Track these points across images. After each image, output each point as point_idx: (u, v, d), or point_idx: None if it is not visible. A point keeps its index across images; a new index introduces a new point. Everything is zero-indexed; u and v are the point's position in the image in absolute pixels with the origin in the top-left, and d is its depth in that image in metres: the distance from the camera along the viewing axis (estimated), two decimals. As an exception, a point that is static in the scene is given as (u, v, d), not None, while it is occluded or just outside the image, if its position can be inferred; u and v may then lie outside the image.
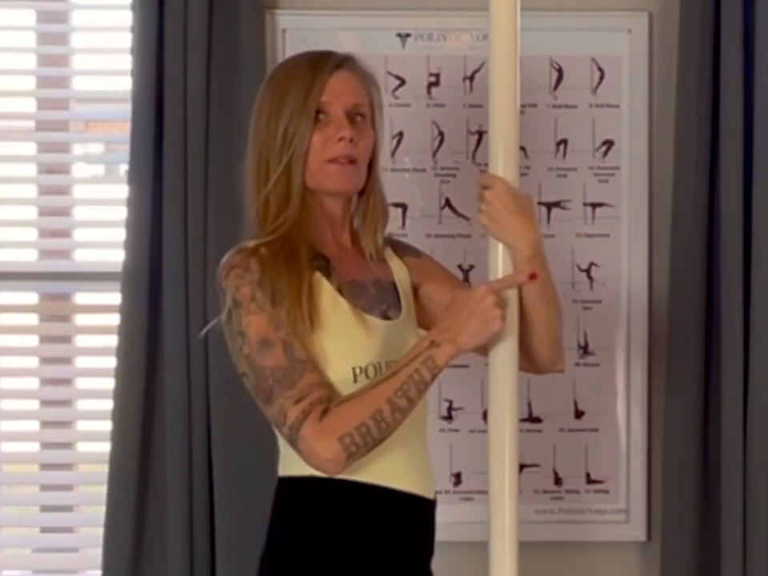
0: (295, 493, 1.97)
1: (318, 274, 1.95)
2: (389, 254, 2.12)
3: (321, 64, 1.99)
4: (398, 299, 2.05)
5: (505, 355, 1.86)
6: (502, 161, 1.87)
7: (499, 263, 1.87)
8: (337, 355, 1.92)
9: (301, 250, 1.94)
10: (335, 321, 1.92)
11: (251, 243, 1.96)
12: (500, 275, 1.87)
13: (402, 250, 2.15)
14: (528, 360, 2.02)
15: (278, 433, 1.93)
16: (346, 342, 1.93)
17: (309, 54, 2.05)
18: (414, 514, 1.99)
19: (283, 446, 1.97)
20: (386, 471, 1.95)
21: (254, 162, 2.00)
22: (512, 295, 1.87)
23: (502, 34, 1.85)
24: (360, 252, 2.07)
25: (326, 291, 1.94)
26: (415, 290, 2.11)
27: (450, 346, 1.85)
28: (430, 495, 2.02)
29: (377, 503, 1.96)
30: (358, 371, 1.92)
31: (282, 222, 1.96)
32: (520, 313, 1.93)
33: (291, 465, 1.96)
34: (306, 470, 1.92)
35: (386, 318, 2.00)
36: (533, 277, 1.89)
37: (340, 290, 1.96)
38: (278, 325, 1.87)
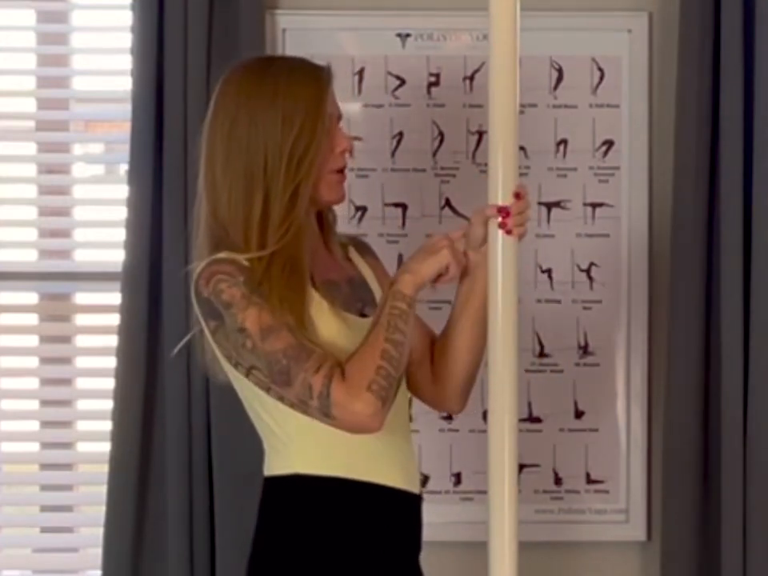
0: (281, 492, 1.99)
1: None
2: (353, 253, 2.14)
3: (321, 75, 2.01)
4: (373, 296, 2.08)
5: (504, 355, 1.86)
6: (501, 161, 1.86)
7: (499, 263, 1.87)
8: None
9: (303, 259, 1.95)
10: (319, 321, 1.94)
11: (225, 255, 1.92)
12: (500, 275, 1.86)
13: (362, 249, 2.17)
14: (436, 384, 2.11)
15: (303, 411, 1.89)
16: (329, 341, 1.93)
17: (298, 62, 2.04)
18: (399, 510, 2.01)
19: (268, 445, 2.00)
20: (371, 467, 1.97)
21: (236, 174, 1.94)
22: (512, 292, 1.87)
23: (502, 34, 1.85)
24: (329, 252, 2.08)
25: (310, 294, 1.96)
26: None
27: (407, 276, 1.92)
28: (415, 490, 2.04)
29: (362, 499, 1.97)
30: None
31: (284, 232, 1.93)
32: (449, 337, 2.09)
33: (276, 464, 1.98)
34: (291, 469, 1.95)
35: (363, 315, 2.02)
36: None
37: (318, 290, 1.98)
38: (273, 310, 1.88)
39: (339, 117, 2.05)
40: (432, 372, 2.13)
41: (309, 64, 2.04)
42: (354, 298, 2.04)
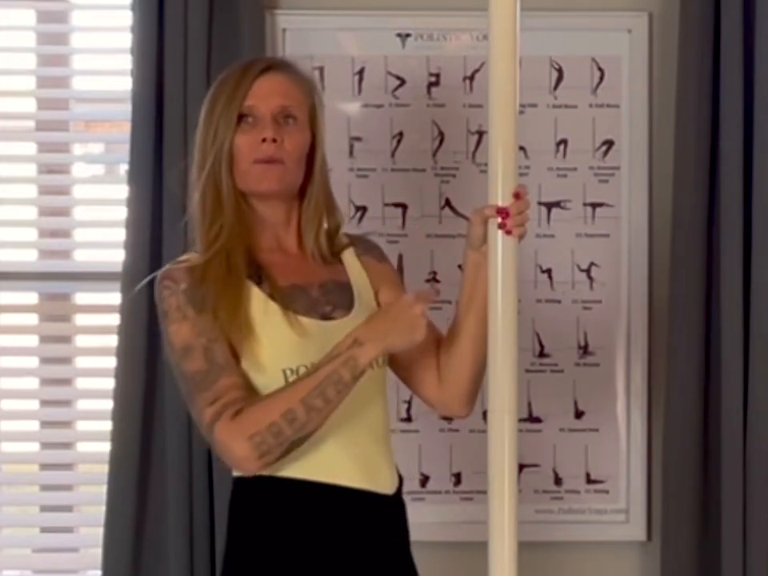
0: (246, 493, 2.00)
1: (248, 283, 1.99)
2: (349, 253, 2.14)
3: (248, 68, 2.04)
4: (351, 298, 2.07)
5: (504, 355, 1.86)
6: (501, 161, 1.86)
7: (498, 263, 1.87)
8: (268, 359, 1.95)
9: (238, 258, 1.99)
10: (266, 326, 1.96)
11: (188, 256, 2.02)
12: (500, 275, 1.86)
13: (363, 249, 2.16)
14: (442, 387, 2.10)
15: None
16: (276, 345, 1.95)
17: (245, 59, 2.13)
18: (362, 510, 2.00)
19: None
20: (331, 469, 1.97)
21: (194, 168, 2.05)
22: (512, 292, 1.87)
23: (502, 34, 1.85)
24: (303, 255, 2.09)
25: (257, 299, 1.98)
26: (375, 293, 2.13)
27: (373, 346, 1.90)
28: (383, 490, 2.02)
29: (322, 501, 1.97)
30: (289, 373, 1.95)
31: (218, 231, 2.00)
32: (453, 339, 2.07)
33: None
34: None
35: (328, 318, 2.02)
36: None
37: (272, 296, 1.98)
38: (201, 331, 1.93)
39: (272, 108, 2.01)
40: (438, 375, 2.11)
41: (248, 59, 2.11)
42: (321, 302, 2.04)
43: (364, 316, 2.03)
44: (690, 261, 2.78)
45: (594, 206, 2.89)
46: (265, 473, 1.94)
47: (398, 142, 2.87)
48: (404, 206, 2.87)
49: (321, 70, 2.85)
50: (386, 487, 2.03)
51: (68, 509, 3.05)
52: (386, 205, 2.87)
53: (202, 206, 2.02)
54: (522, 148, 2.78)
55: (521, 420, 2.76)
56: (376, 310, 2.02)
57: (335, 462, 1.98)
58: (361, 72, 2.86)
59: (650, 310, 2.89)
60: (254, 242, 2.04)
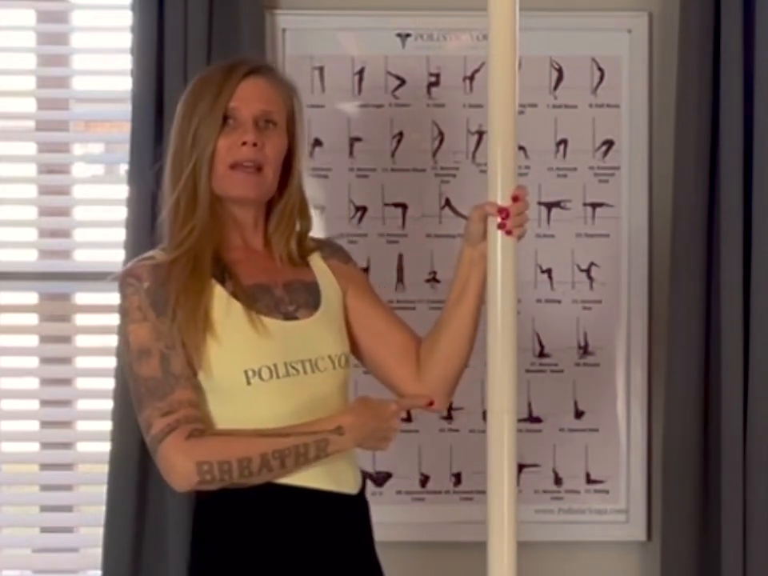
0: (214, 498, 1.97)
1: (212, 282, 1.99)
2: (315, 257, 2.14)
3: (232, 70, 2.04)
4: (318, 299, 2.07)
5: (503, 355, 1.86)
6: (500, 161, 1.87)
7: (498, 263, 1.87)
8: (229, 359, 1.95)
9: (205, 258, 1.99)
10: (228, 325, 1.96)
11: (154, 253, 2.03)
12: (499, 275, 1.86)
13: (328, 253, 2.17)
14: (422, 382, 2.10)
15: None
16: (237, 346, 1.96)
17: (226, 60, 2.12)
18: (328, 511, 2.00)
19: None
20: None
21: (168, 167, 2.05)
22: (511, 292, 1.87)
23: (501, 33, 1.85)
24: (269, 255, 2.09)
25: (220, 297, 1.98)
26: (344, 294, 2.14)
27: (350, 440, 1.95)
28: (347, 490, 2.03)
29: (288, 503, 1.97)
30: (250, 374, 1.95)
31: (189, 231, 2.00)
32: (439, 334, 2.09)
33: None
34: None
35: (291, 318, 2.02)
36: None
37: (236, 295, 1.99)
38: (159, 336, 1.94)
39: (254, 112, 2.02)
40: (419, 370, 2.12)
41: (231, 61, 2.10)
42: (285, 302, 2.04)
43: (329, 318, 2.06)
44: (690, 261, 2.78)
45: (594, 205, 2.89)
46: None
47: (398, 141, 2.87)
48: (404, 206, 2.88)
49: (321, 69, 2.85)
50: (350, 487, 2.04)
51: (68, 509, 3.05)
52: (386, 205, 2.87)
53: (177, 205, 2.02)
54: (521, 148, 2.78)
55: (521, 420, 2.77)
56: (368, 399, 2.01)
57: None
58: (361, 72, 2.86)
59: (650, 310, 2.89)
60: (221, 241, 2.04)
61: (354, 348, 2.13)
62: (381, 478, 2.86)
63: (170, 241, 2.03)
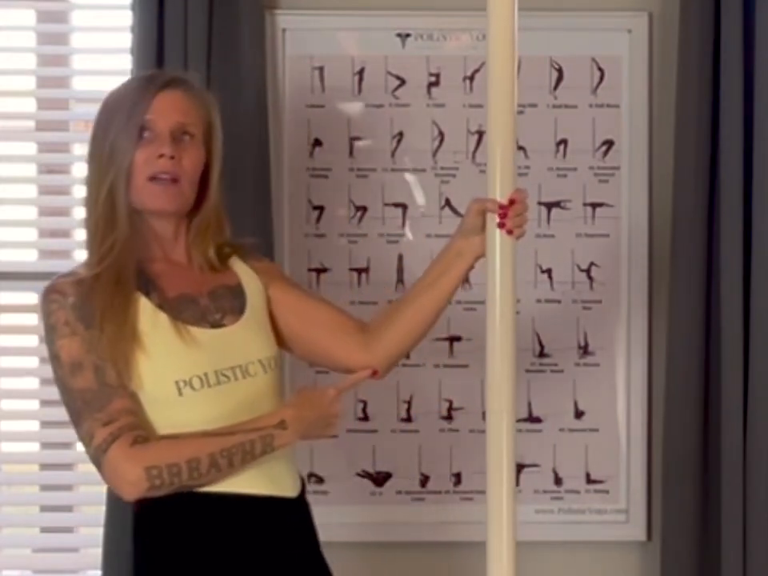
0: (154, 508, 1.97)
1: (137, 294, 1.98)
2: (234, 260, 2.15)
3: (148, 83, 2.04)
4: (244, 302, 2.08)
5: (502, 355, 1.86)
6: (499, 161, 1.87)
7: (497, 262, 1.87)
8: (159, 371, 1.95)
9: (128, 272, 1.98)
10: (155, 337, 1.96)
11: (75, 269, 2.02)
12: (498, 274, 1.87)
13: (245, 254, 2.18)
14: (368, 352, 2.12)
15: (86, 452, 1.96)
16: (166, 357, 1.96)
17: (142, 73, 2.14)
18: (268, 515, 2.00)
19: None
20: (234, 478, 1.96)
21: (86, 181, 2.04)
22: (510, 291, 1.87)
23: (500, 34, 1.85)
24: (190, 266, 2.09)
25: (145, 310, 1.97)
26: (266, 288, 2.15)
27: (293, 433, 1.95)
28: (286, 494, 2.03)
29: (229, 510, 1.97)
30: (182, 384, 1.95)
31: (110, 246, 1.99)
32: (403, 309, 2.11)
33: None
34: None
35: (219, 326, 2.02)
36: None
37: (161, 307, 1.99)
38: (90, 348, 1.92)
39: (170, 124, 2.01)
40: (362, 341, 2.13)
41: (147, 74, 2.11)
42: (211, 310, 2.04)
43: (256, 321, 2.07)
44: (690, 261, 2.78)
45: (594, 205, 2.89)
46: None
47: (398, 142, 2.87)
48: (404, 206, 2.88)
49: (321, 69, 2.85)
50: (290, 490, 2.05)
51: (68, 509, 3.05)
52: (386, 205, 2.87)
53: (96, 220, 2.01)
54: (521, 148, 2.78)
55: (521, 420, 2.77)
56: (307, 389, 2.04)
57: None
58: (361, 72, 2.86)
59: (650, 309, 2.89)
60: (143, 254, 2.04)
61: (288, 338, 2.15)
62: (381, 478, 2.86)
63: (91, 256, 2.02)
